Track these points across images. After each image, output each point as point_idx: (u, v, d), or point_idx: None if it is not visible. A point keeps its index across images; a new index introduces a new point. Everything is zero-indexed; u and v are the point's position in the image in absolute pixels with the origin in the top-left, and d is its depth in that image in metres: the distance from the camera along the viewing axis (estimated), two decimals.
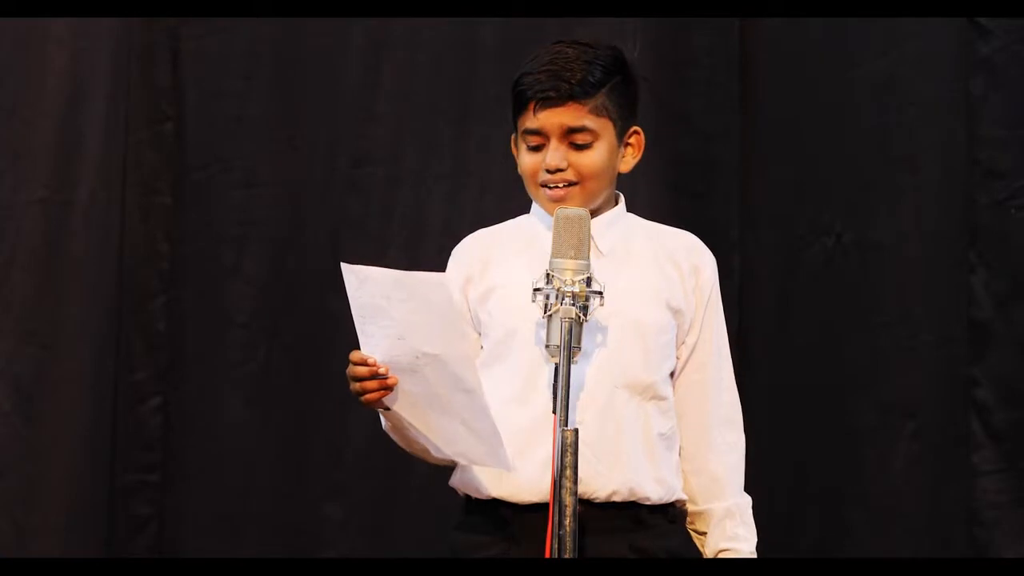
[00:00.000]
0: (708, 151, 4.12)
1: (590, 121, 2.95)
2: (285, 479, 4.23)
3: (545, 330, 2.78)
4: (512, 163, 3.07)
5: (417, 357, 2.79)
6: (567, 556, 2.65)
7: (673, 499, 2.98)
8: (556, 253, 2.80)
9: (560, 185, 2.96)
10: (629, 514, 2.93)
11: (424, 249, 4.12)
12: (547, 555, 2.67)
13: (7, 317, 4.27)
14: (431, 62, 4.24)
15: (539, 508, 2.84)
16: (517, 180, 3.07)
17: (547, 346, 2.77)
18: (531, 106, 2.95)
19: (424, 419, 2.88)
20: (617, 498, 2.92)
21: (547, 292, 2.77)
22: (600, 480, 2.90)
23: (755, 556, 3.02)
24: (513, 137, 3.04)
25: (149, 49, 4.29)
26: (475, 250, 3.07)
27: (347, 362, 2.86)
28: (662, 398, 2.98)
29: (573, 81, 2.93)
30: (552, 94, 2.93)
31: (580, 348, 2.76)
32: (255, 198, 4.28)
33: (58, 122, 4.29)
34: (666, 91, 4.09)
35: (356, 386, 2.85)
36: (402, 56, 4.24)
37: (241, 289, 4.28)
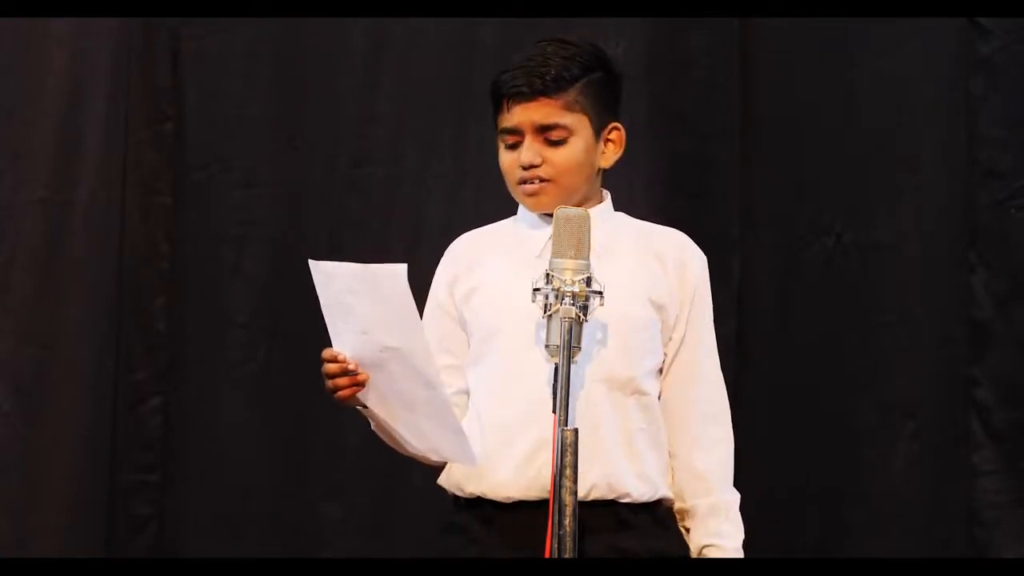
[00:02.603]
0: (705, 151, 4.12)
1: (562, 117, 2.94)
2: (285, 479, 4.23)
3: (545, 330, 2.76)
4: None
5: (381, 351, 2.79)
6: (567, 556, 2.64)
7: (657, 497, 2.93)
8: (556, 253, 2.78)
9: (535, 181, 2.95)
10: (611, 512, 2.89)
11: (424, 249, 4.11)
12: (547, 555, 2.66)
13: (7, 317, 4.27)
14: (431, 62, 4.24)
15: (521, 506, 2.85)
16: None
17: (547, 346, 2.76)
18: (504, 103, 2.96)
19: (395, 415, 2.88)
20: (596, 494, 2.87)
21: (547, 292, 2.76)
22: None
23: (740, 553, 2.96)
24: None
25: (149, 49, 4.29)
26: (463, 250, 3.07)
27: None
28: (643, 393, 2.94)
29: (547, 77, 2.92)
30: (525, 90, 2.93)
31: (580, 348, 2.75)
32: (255, 198, 4.28)
33: (58, 122, 4.29)
34: (664, 91, 4.09)
35: (328, 383, 2.84)
36: (402, 56, 4.24)
37: (241, 289, 4.28)
